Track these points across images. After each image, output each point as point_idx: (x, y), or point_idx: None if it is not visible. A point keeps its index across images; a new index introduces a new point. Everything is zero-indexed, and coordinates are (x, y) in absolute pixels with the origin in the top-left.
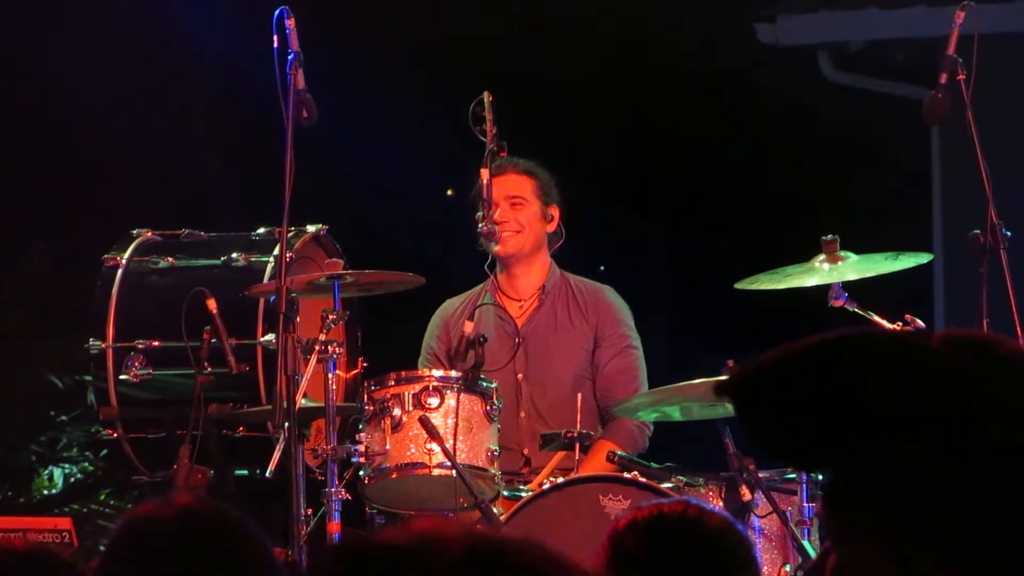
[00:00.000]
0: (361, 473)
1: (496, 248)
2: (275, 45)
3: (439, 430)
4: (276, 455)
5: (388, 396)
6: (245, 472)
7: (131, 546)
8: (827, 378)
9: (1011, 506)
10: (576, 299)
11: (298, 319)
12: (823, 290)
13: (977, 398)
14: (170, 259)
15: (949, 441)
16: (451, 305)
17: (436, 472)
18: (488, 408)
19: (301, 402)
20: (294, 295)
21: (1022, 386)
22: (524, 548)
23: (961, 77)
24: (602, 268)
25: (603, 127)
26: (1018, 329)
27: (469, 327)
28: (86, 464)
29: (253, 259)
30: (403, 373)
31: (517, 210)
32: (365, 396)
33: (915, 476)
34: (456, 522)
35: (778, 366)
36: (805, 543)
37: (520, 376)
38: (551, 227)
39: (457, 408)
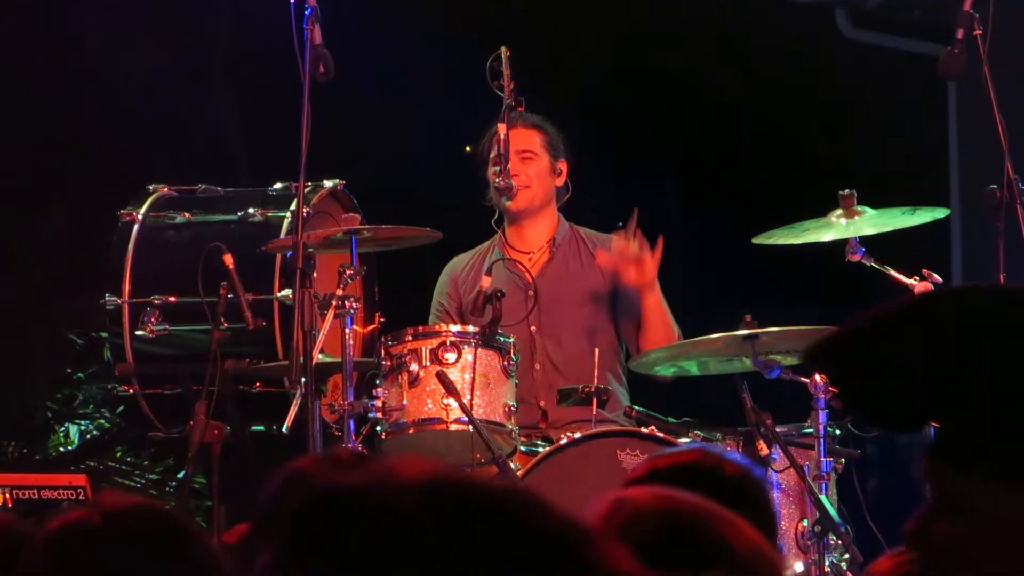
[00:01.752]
0: (378, 428)
1: (508, 204)
2: (292, 1)
3: (456, 385)
4: (293, 411)
5: (405, 351)
6: (262, 428)
7: (55, 556)
8: (939, 337)
9: None
10: (588, 248)
11: (315, 274)
12: (841, 245)
13: None
14: (186, 214)
15: None
16: (460, 262)
17: (453, 427)
18: (505, 363)
19: (318, 357)
20: (311, 250)
21: None
22: (494, 490)
23: (977, 32)
24: (620, 224)
25: (620, 84)
26: None
27: (487, 282)
28: (102, 421)
29: (270, 214)
30: (420, 328)
31: (527, 164)
32: (382, 351)
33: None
34: (422, 460)
35: (880, 328)
36: (823, 498)
37: (534, 329)
38: (559, 181)
39: (474, 363)
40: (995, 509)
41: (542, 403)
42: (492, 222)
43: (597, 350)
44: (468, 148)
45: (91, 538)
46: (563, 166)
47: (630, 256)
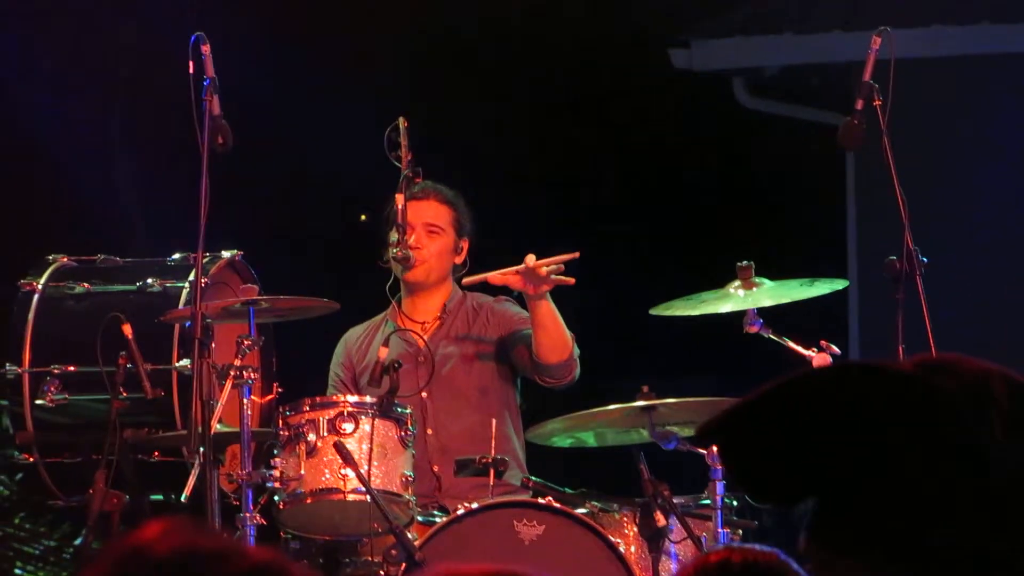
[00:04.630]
0: (276, 498)
1: (405, 275)
2: (191, 71)
3: (354, 455)
4: (191, 480)
5: (303, 421)
6: (160, 497)
7: None
8: (813, 413)
9: (994, 523)
10: (476, 311)
11: (213, 344)
12: (738, 316)
13: (953, 422)
14: (86, 284)
15: (932, 464)
16: (354, 333)
17: (351, 497)
18: (402, 434)
19: (216, 427)
20: (209, 320)
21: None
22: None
23: (877, 103)
24: (516, 293)
25: (516, 151)
26: (933, 355)
27: (384, 352)
28: (1, 488)
29: (168, 284)
30: (318, 399)
31: (432, 238)
32: (280, 421)
33: (900, 501)
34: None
35: (761, 404)
36: None
37: (425, 395)
38: (459, 259)
39: (372, 433)
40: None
41: (435, 468)
42: (387, 288)
43: (494, 420)
44: (363, 216)
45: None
46: (465, 244)
47: (538, 273)
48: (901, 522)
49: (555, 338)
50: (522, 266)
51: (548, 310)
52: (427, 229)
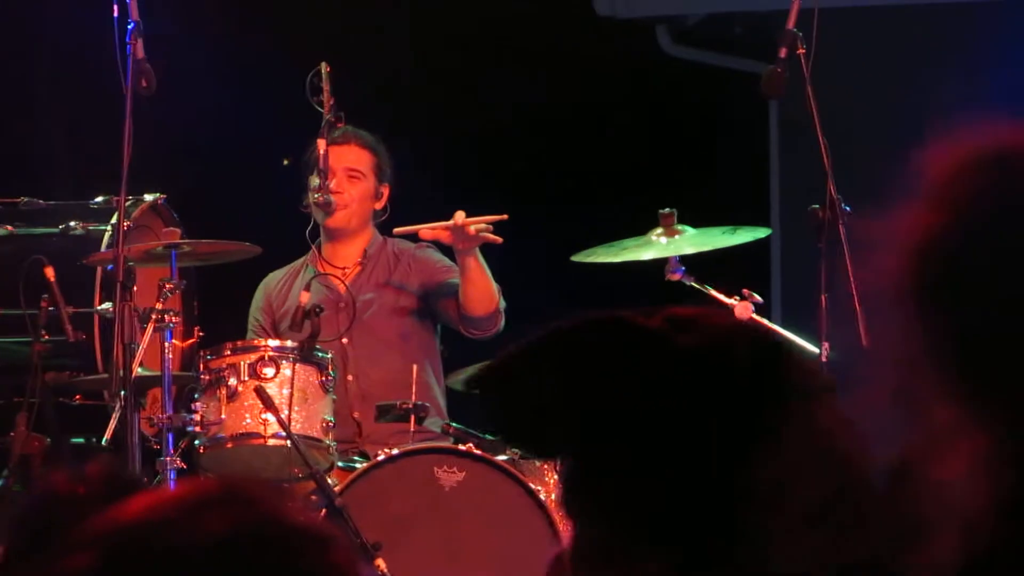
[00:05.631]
0: (197, 442)
1: (326, 220)
2: (115, 15)
3: (274, 400)
4: (112, 423)
5: (224, 366)
6: (81, 440)
7: None
8: (556, 368)
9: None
10: (397, 257)
11: (135, 288)
12: (661, 263)
13: (689, 383)
14: (8, 227)
15: (661, 429)
16: (274, 278)
17: (271, 442)
18: (323, 379)
19: (137, 371)
20: (131, 264)
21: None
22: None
23: (801, 51)
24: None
25: (435, 101)
26: (856, 304)
27: (306, 297)
28: None
29: (91, 227)
30: (239, 343)
31: (353, 183)
32: (201, 365)
33: (627, 473)
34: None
35: (515, 357)
36: None
37: (345, 341)
38: (379, 204)
39: (293, 378)
40: (582, 530)
41: (356, 415)
42: (307, 232)
43: (415, 366)
44: (286, 161)
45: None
46: (385, 190)
47: (466, 231)
48: (625, 484)
49: (482, 291)
50: (451, 222)
51: (476, 264)
52: (348, 174)
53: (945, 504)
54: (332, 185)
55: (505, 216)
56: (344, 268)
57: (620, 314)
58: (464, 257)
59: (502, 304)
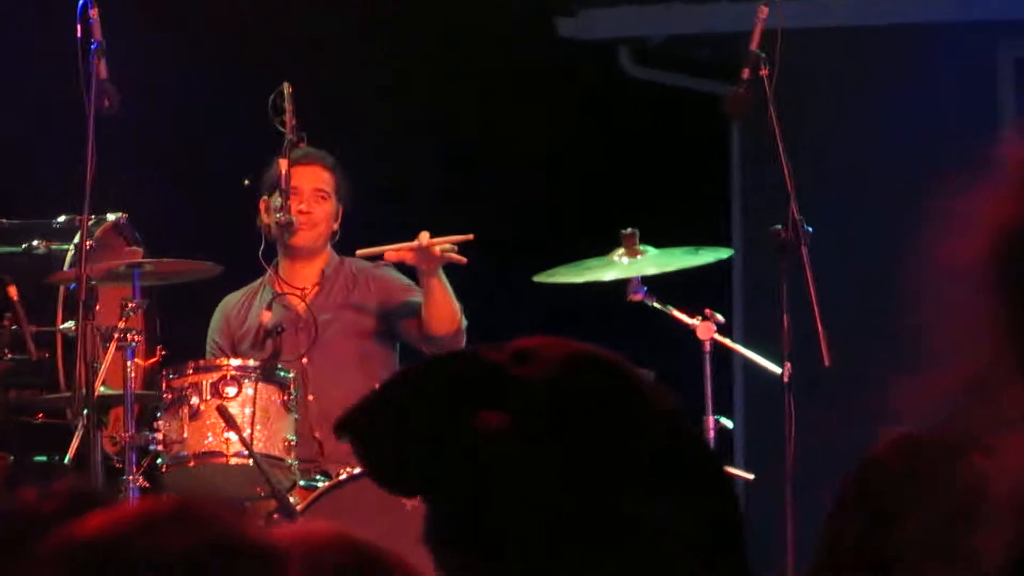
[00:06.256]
0: (159, 461)
1: (290, 239)
2: (78, 35)
3: (236, 419)
4: (75, 442)
5: (186, 384)
6: (44, 458)
7: None
8: (405, 407)
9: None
10: (356, 277)
11: (98, 307)
12: (622, 284)
13: (527, 415)
14: None
15: (496, 467)
16: (231, 300)
17: (233, 461)
18: (285, 398)
19: (100, 389)
20: (94, 283)
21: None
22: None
23: (764, 72)
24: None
25: (400, 121)
26: (818, 324)
27: (267, 317)
28: None
29: (54, 246)
30: (201, 362)
31: (320, 203)
32: (163, 384)
33: (480, 508)
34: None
35: (376, 397)
36: None
37: (305, 360)
38: (336, 225)
39: (255, 397)
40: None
41: (317, 434)
42: (259, 254)
43: (376, 386)
44: (246, 181)
45: None
46: (341, 210)
47: (431, 252)
48: (462, 519)
49: (445, 311)
50: (416, 243)
51: (439, 285)
52: (316, 194)
53: (1004, 490)
54: (302, 206)
55: (471, 236)
56: (303, 288)
57: (472, 350)
58: (428, 278)
59: (464, 323)
